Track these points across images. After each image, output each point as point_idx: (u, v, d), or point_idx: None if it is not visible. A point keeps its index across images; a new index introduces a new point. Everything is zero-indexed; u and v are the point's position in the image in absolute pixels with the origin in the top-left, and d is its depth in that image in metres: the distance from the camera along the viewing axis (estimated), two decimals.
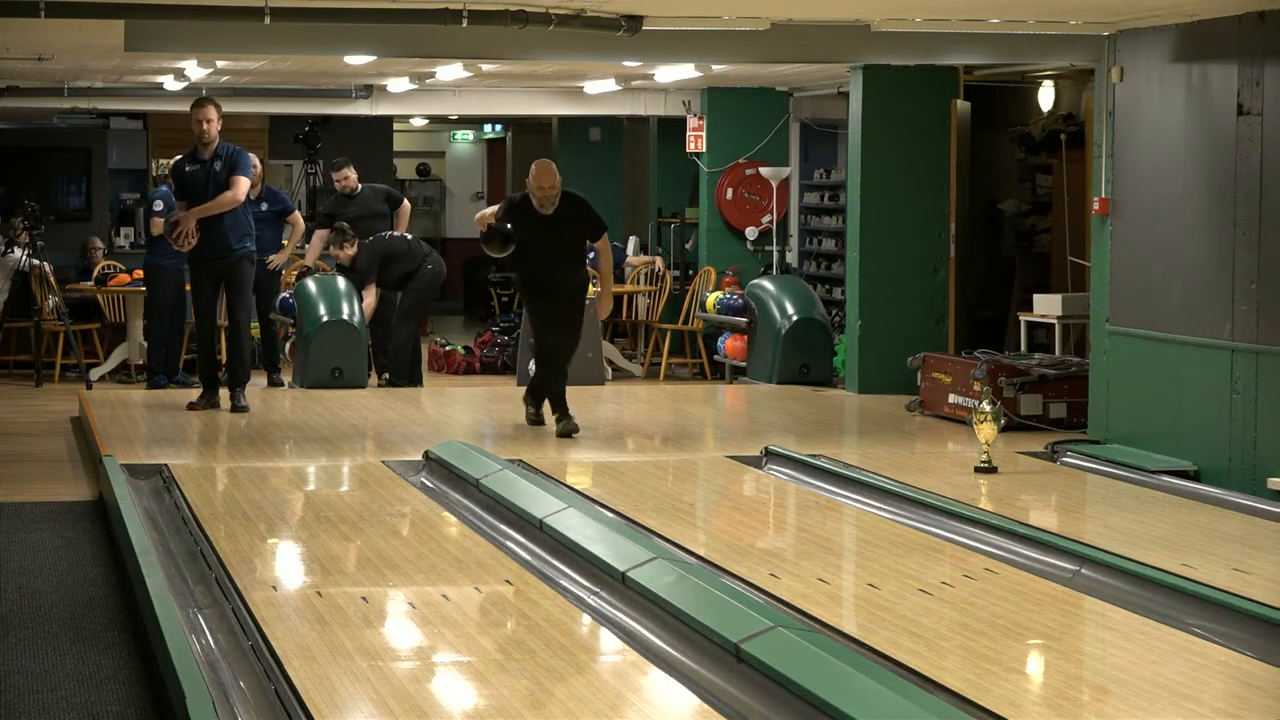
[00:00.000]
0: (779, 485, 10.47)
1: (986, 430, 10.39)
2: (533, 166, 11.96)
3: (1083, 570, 7.81)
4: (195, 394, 13.41)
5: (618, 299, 17.32)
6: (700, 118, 17.90)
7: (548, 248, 11.82)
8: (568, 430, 11.80)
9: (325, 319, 14.57)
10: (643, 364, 17.58)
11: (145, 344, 16.17)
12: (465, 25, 9.90)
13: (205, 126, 12.91)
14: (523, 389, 12.82)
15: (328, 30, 11.44)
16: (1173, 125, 10.89)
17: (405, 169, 27.79)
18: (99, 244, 18.92)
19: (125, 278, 16.94)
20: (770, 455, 10.97)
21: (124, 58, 14.14)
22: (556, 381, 12.02)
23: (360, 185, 16.06)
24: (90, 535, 9.29)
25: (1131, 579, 7.56)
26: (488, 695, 5.94)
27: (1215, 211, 10.51)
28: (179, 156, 13.40)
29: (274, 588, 7.45)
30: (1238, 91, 10.29)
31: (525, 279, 12.10)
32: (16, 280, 16.90)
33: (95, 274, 17.52)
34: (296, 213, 16.01)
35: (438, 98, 18.88)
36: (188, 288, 16.30)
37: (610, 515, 8.96)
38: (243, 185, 12.92)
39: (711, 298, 16.83)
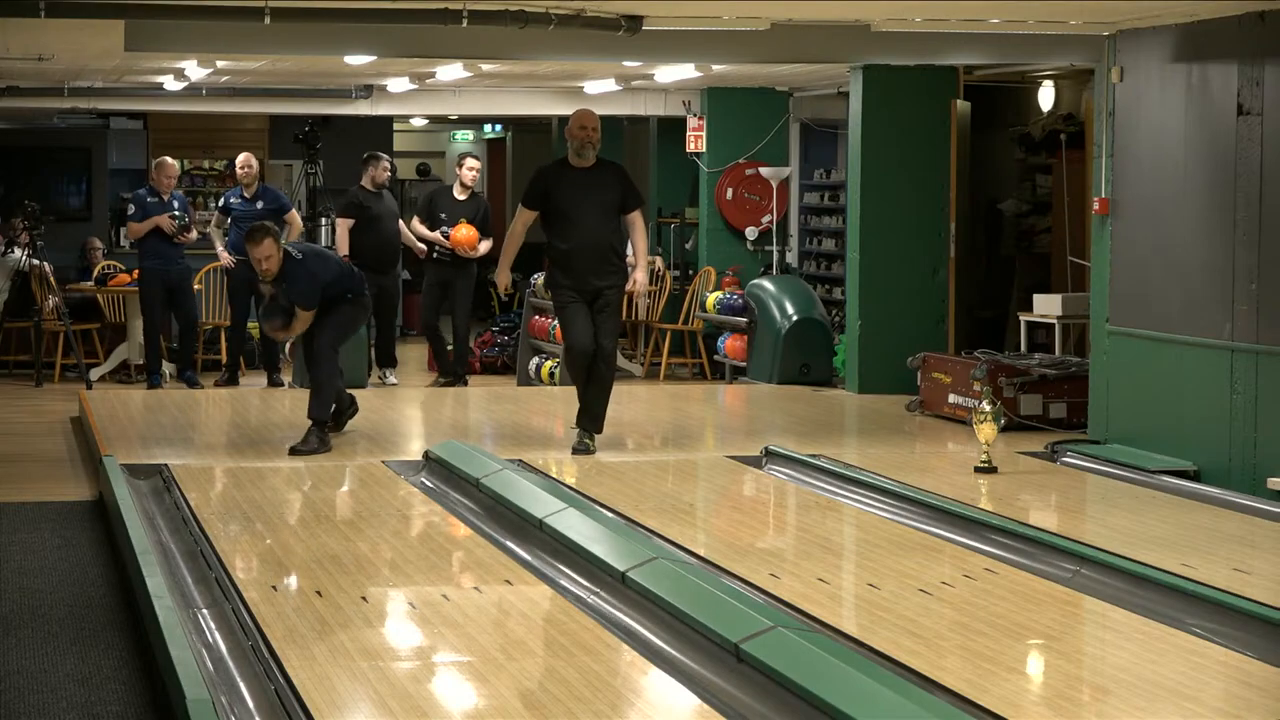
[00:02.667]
0: (779, 485, 10.47)
1: (986, 430, 10.39)
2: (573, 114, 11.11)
3: (1082, 570, 7.82)
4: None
5: None
6: (700, 118, 17.90)
7: (581, 209, 10.89)
8: (583, 448, 11.06)
9: None
10: (643, 364, 17.57)
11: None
12: (465, 25, 9.89)
13: (263, 264, 11.21)
14: (523, 389, 12.79)
15: (328, 30, 11.44)
16: (1173, 125, 10.89)
17: (405, 169, 27.77)
18: (98, 244, 18.92)
19: (125, 278, 16.93)
20: (770, 455, 10.97)
21: (124, 58, 14.13)
22: (594, 393, 11.10)
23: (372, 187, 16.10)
24: (90, 535, 9.29)
25: (1131, 579, 7.55)
26: (488, 695, 5.93)
27: (1215, 211, 10.51)
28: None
29: (274, 588, 7.44)
30: (1238, 91, 10.29)
31: (555, 255, 11.08)
32: (16, 280, 16.91)
33: (95, 274, 17.53)
34: (294, 211, 16.00)
35: (438, 98, 18.87)
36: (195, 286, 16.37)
37: (610, 515, 8.96)
38: (304, 318, 11.33)
39: (711, 298, 16.83)
